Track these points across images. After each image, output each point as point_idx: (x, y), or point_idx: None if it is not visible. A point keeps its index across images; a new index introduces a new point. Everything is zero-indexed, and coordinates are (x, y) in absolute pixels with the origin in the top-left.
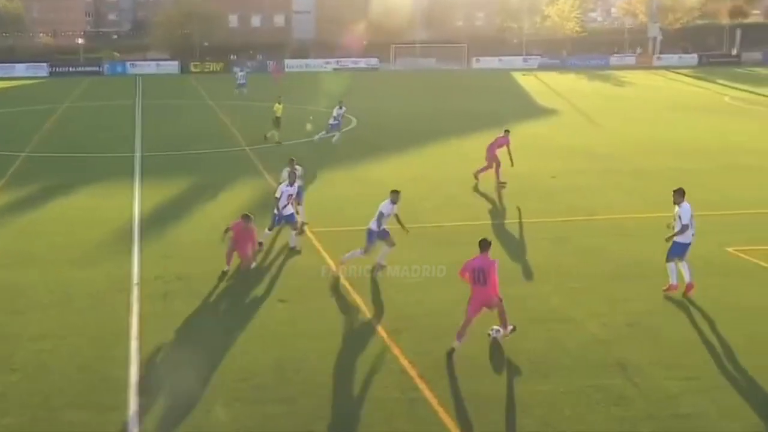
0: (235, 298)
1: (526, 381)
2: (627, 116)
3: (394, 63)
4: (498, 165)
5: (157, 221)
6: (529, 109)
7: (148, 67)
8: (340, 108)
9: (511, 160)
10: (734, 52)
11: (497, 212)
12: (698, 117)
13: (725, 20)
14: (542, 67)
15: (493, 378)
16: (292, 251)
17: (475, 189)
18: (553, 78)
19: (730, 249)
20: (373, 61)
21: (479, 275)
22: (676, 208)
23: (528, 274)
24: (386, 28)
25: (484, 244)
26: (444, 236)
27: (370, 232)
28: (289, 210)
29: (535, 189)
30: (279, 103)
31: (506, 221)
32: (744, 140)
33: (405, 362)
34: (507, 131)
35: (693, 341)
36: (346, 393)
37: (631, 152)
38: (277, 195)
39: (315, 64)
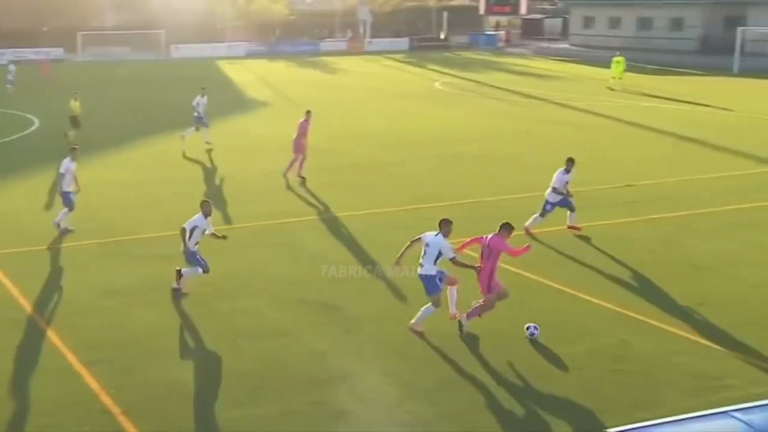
0: None
1: (241, 405)
2: (341, 106)
3: (82, 53)
4: (297, 158)
5: None
6: (238, 102)
7: None
8: (203, 97)
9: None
10: (442, 35)
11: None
12: (412, 105)
13: (432, 2)
14: (250, 55)
15: (204, 407)
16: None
17: (283, 187)
18: (262, 66)
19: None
20: (58, 51)
21: (486, 252)
22: (562, 173)
23: (239, 285)
24: (71, 12)
25: (504, 227)
26: (145, 248)
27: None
28: (69, 188)
29: (247, 190)
30: (75, 100)
31: (219, 226)
32: (456, 128)
33: (106, 399)
34: (308, 112)
35: (409, 343)
36: None
37: (347, 145)
38: (62, 171)
39: None
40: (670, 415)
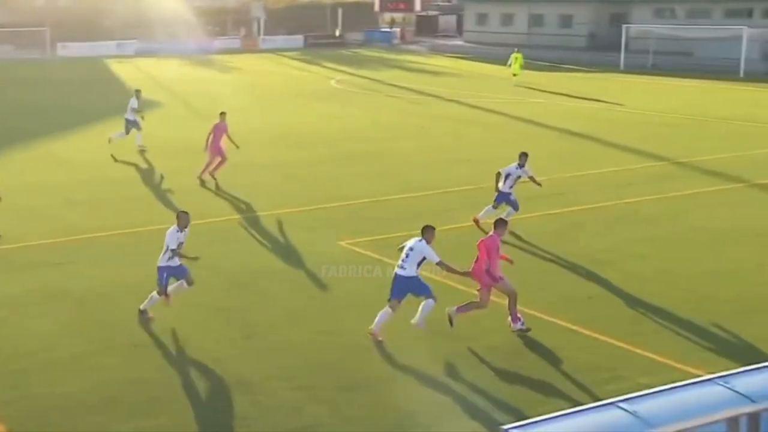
0: None
1: (136, 417)
2: (236, 105)
3: None
4: (223, 160)
5: None
6: (128, 103)
7: None
8: (137, 99)
9: (234, 143)
10: (337, 33)
11: (97, 223)
12: (309, 103)
13: None
14: (140, 53)
15: (96, 420)
16: None
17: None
18: (153, 65)
19: (342, 243)
20: None
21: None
22: (515, 167)
23: (135, 290)
24: None
25: (498, 223)
26: (29, 257)
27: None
28: None
29: (142, 193)
30: None
31: (113, 232)
32: (354, 126)
33: None
34: (223, 114)
35: (310, 346)
36: None
37: (244, 145)
38: None
39: None
40: (563, 409)
